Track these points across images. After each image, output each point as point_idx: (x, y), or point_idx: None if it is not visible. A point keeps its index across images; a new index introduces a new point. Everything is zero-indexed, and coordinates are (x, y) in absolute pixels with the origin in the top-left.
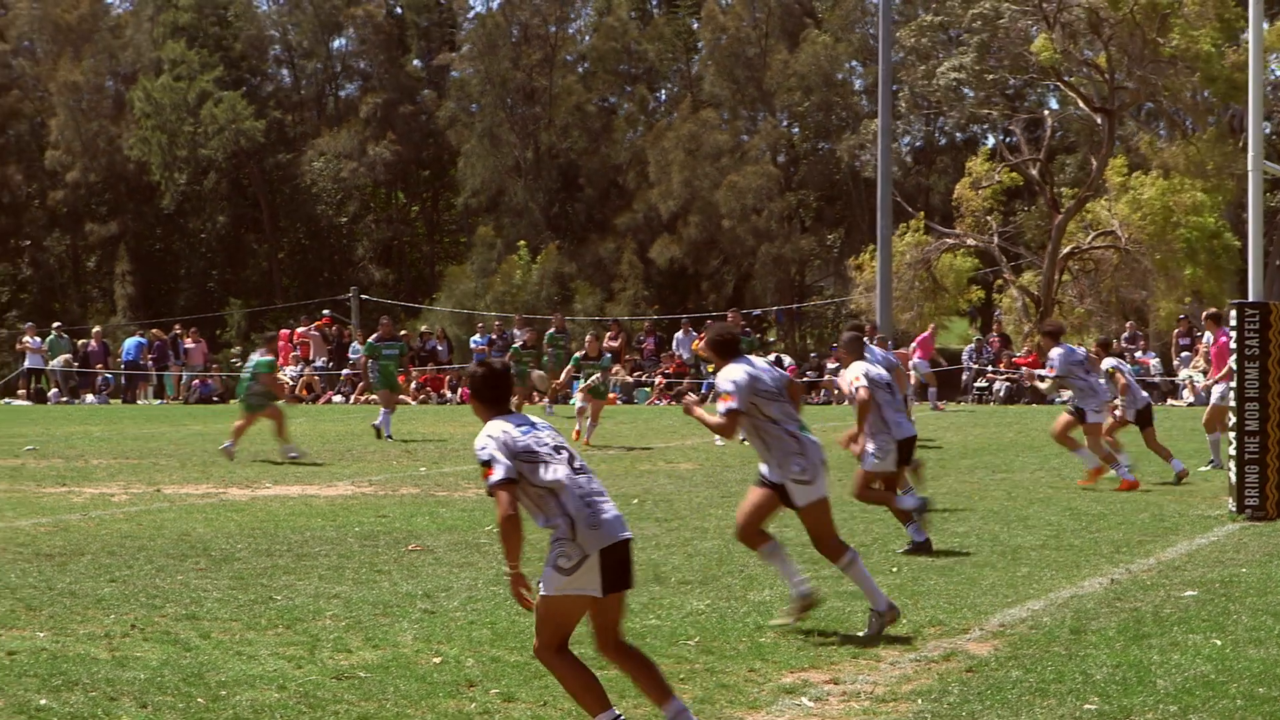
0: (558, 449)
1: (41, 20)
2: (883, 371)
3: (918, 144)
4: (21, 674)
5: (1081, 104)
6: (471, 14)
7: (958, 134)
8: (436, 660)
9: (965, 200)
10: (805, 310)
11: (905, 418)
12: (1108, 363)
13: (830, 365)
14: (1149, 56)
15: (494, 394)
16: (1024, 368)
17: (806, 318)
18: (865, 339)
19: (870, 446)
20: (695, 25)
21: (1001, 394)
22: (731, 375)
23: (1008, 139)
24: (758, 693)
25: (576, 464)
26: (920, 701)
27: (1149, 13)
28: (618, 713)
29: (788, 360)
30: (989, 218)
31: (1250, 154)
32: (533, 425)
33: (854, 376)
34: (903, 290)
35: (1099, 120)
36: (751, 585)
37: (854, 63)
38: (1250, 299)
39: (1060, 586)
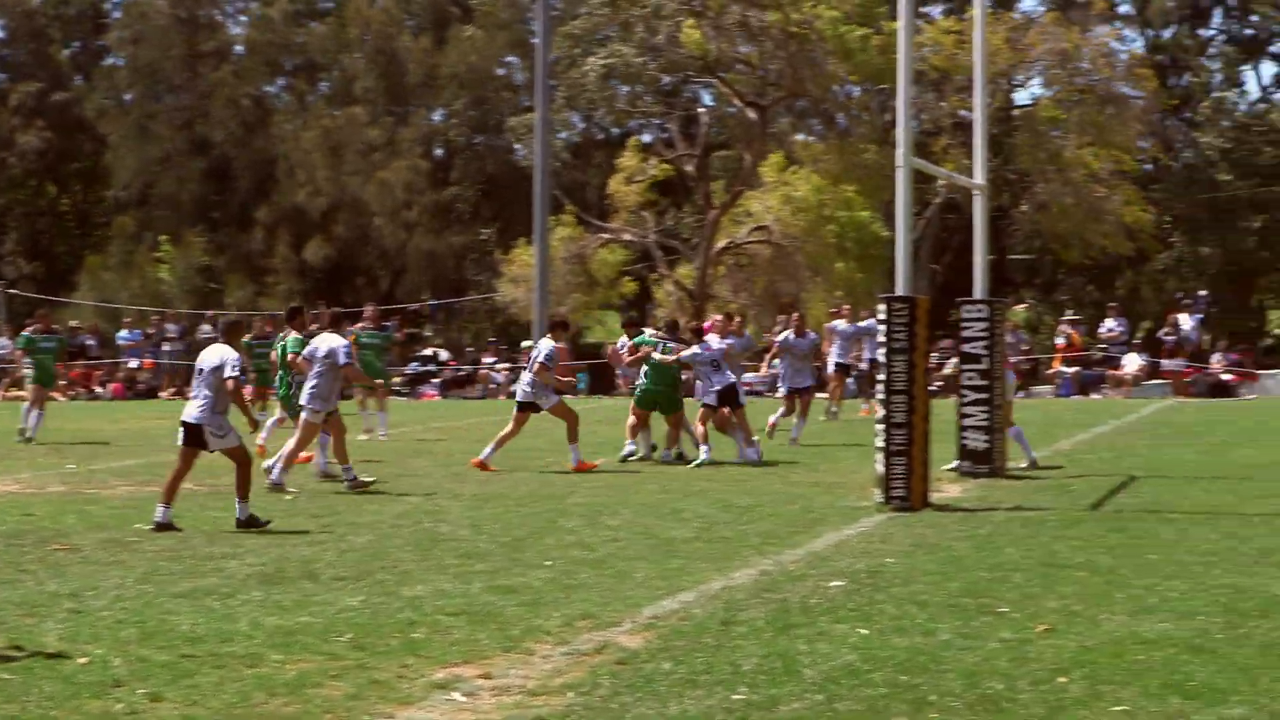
0: None
1: None
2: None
3: (574, 138)
4: None
5: (736, 100)
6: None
7: (614, 129)
8: (83, 660)
9: (620, 195)
10: (461, 305)
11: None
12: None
13: (487, 359)
14: (795, 45)
15: None
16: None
17: (462, 312)
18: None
19: None
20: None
21: None
22: None
23: (664, 134)
24: (409, 689)
25: None
26: (571, 694)
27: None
28: None
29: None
30: (645, 212)
31: (900, 150)
32: None
33: None
34: (558, 284)
35: (753, 116)
36: (405, 581)
37: (512, 57)
38: (899, 293)
39: (711, 578)
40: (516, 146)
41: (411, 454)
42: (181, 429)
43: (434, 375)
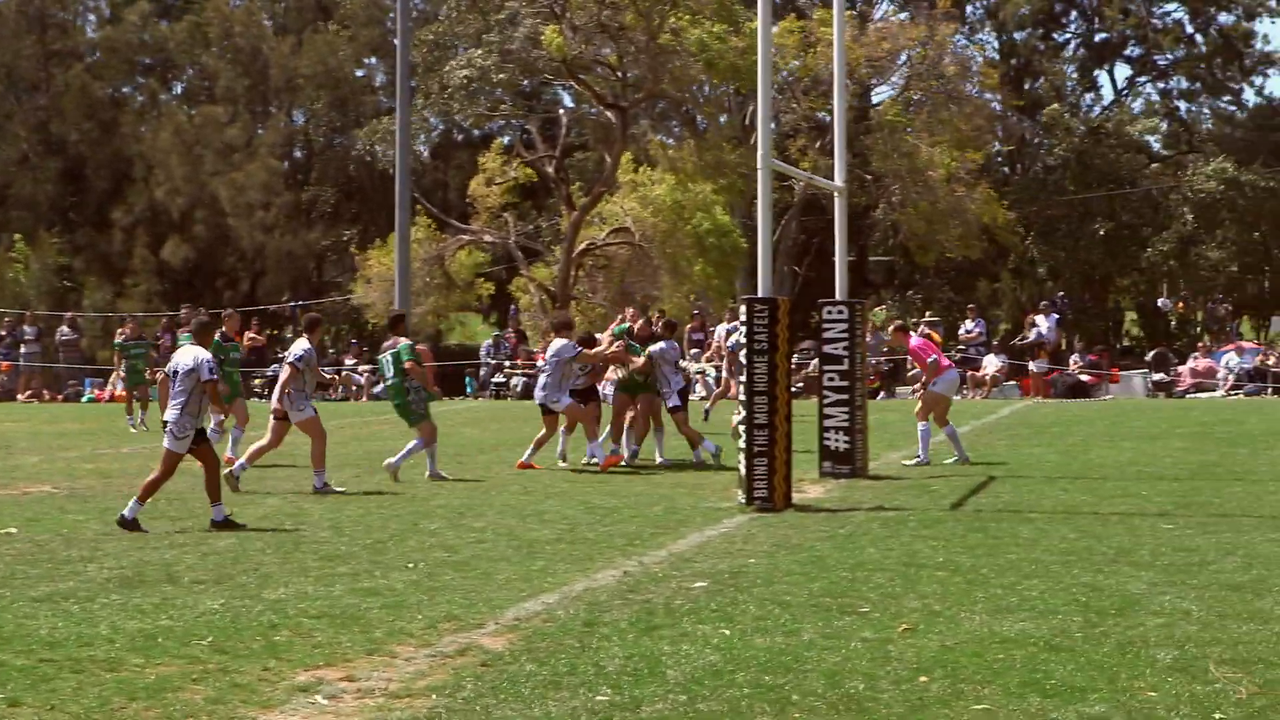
0: None
1: None
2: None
3: (435, 140)
4: None
5: (595, 102)
6: None
7: (475, 131)
8: None
9: (481, 196)
10: (321, 305)
11: None
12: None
13: (348, 361)
14: (655, 48)
15: None
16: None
17: (324, 312)
18: None
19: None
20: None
21: (519, 389)
22: None
23: (524, 136)
24: (271, 692)
25: None
26: (435, 697)
27: (653, 4)
28: None
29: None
30: (506, 214)
31: (760, 152)
32: None
33: None
34: (416, 285)
35: (612, 118)
36: (266, 584)
37: (372, 59)
38: (760, 294)
39: (575, 579)
40: (376, 148)
41: (272, 456)
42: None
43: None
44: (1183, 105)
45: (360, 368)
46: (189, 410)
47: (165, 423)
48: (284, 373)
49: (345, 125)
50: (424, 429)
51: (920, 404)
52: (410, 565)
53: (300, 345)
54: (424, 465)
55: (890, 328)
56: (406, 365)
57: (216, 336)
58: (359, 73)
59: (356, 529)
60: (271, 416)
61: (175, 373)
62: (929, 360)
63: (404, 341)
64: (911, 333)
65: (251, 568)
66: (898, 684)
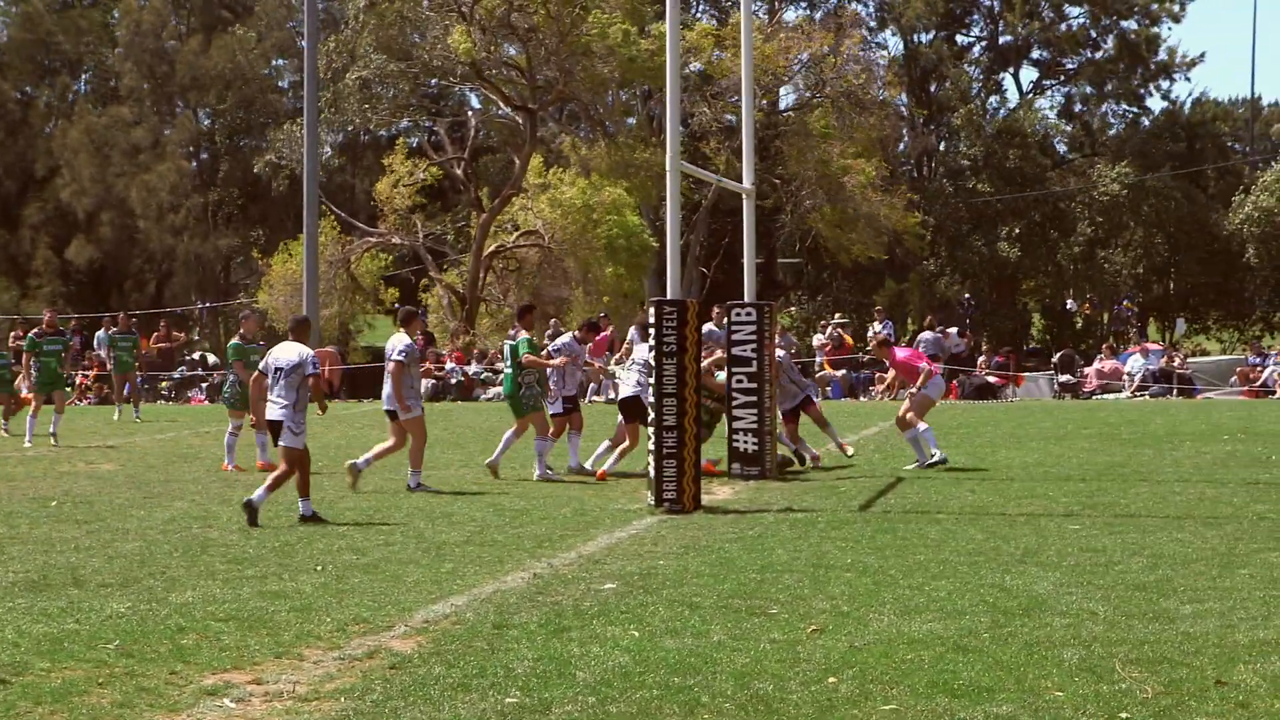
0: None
1: None
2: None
3: (341, 143)
4: None
5: (503, 104)
6: None
7: (382, 133)
8: None
9: (388, 199)
10: (228, 308)
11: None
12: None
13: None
14: (565, 49)
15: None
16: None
17: (231, 316)
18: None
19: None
20: (115, 17)
21: (428, 391)
22: None
23: (432, 138)
24: (179, 695)
25: None
26: (344, 700)
27: (563, 5)
28: None
29: (213, 359)
30: (414, 216)
31: (669, 154)
32: None
33: None
34: (321, 288)
35: (521, 120)
36: (173, 587)
37: (280, 60)
38: (669, 296)
39: (484, 582)
40: (284, 151)
41: (180, 459)
42: (269, 427)
43: (202, 380)
44: (1086, 109)
45: None
46: (300, 405)
47: (274, 422)
48: (392, 370)
49: (252, 127)
50: (534, 420)
51: (909, 409)
52: (318, 568)
53: (400, 340)
54: (459, 463)
55: (874, 343)
56: (523, 359)
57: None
58: (265, 73)
59: (265, 531)
60: (388, 419)
61: (277, 370)
62: (920, 369)
63: (524, 334)
64: (896, 346)
65: (158, 571)
66: (806, 685)
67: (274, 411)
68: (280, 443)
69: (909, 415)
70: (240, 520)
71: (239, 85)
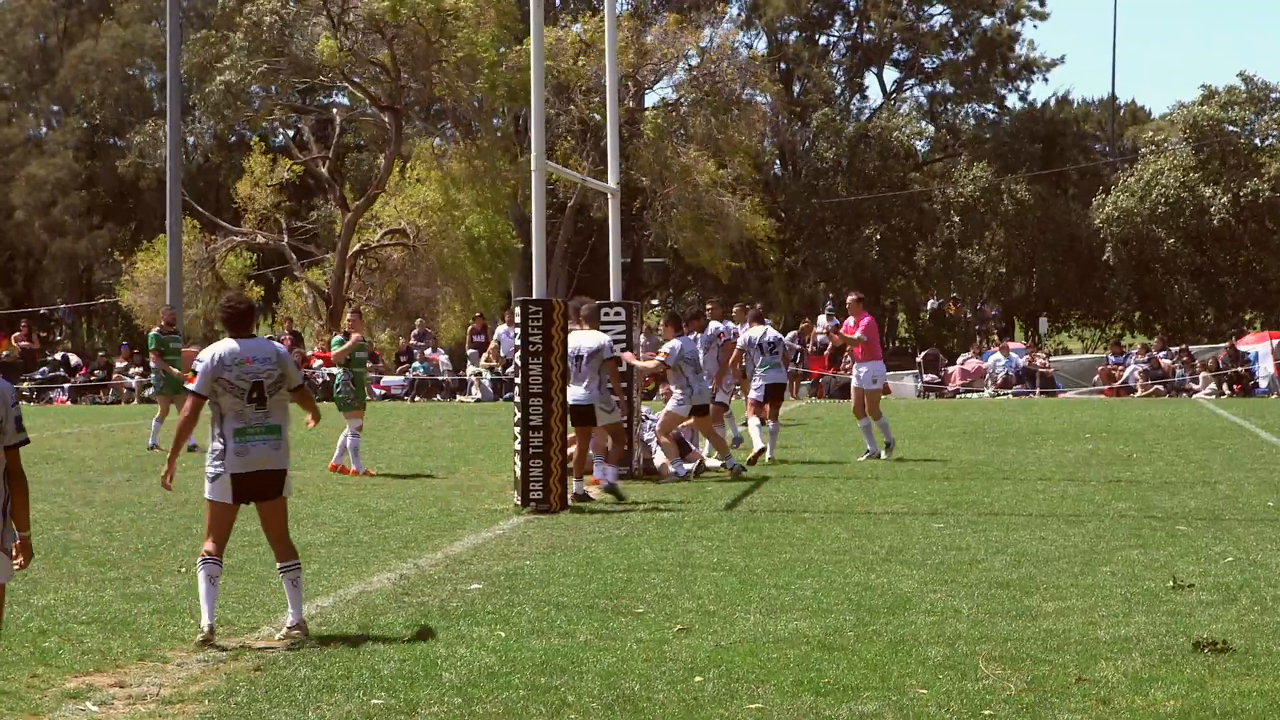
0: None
1: None
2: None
3: (207, 140)
4: None
5: (369, 103)
6: None
7: (248, 132)
8: None
9: (251, 198)
10: (94, 308)
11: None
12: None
13: (119, 364)
14: (432, 58)
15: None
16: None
17: (95, 315)
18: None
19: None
20: None
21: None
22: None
23: (296, 137)
24: (40, 699)
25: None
26: (208, 702)
27: (431, 16)
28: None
29: (75, 360)
30: (279, 215)
31: (533, 155)
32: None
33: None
34: (185, 288)
35: (386, 120)
36: (35, 589)
37: (146, 59)
38: (535, 296)
39: (349, 583)
40: (148, 149)
41: (42, 460)
42: (570, 412)
43: (65, 380)
44: (946, 109)
45: (132, 370)
46: (605, 386)
47: (580, 406)
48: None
49: (119, 126)
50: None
51: (861, 401)
52: (182, 570)
53: (596, 338)
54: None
55: (851, 297)
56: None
57: (155, 330)
58: (131, 72)
59: (128, 534)
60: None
61: (579, 356)
62: (861, 339)
63: (356, 335)
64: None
65: (19, 573)
66: (673, 684)
67: (576, 394)
68: (599, 424)
69: (868, 407)
70: (104, 522)
71: (106, 85)
